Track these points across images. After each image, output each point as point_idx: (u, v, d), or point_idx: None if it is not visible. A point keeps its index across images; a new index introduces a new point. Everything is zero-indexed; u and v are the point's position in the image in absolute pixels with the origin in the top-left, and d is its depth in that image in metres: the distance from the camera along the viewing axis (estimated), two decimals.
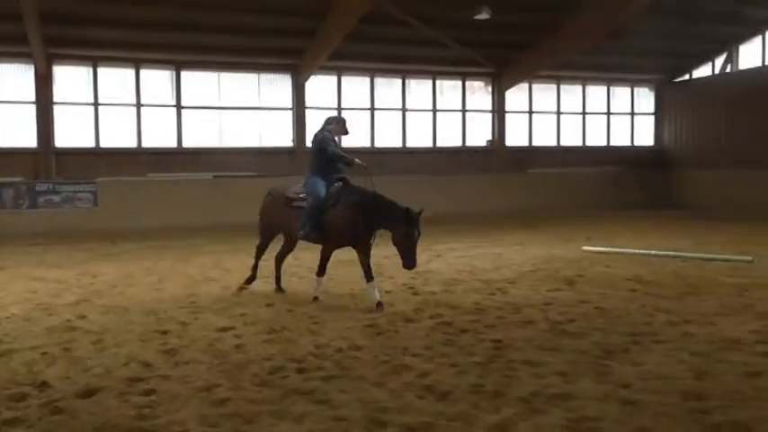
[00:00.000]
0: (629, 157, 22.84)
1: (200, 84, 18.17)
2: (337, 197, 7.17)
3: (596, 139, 22.81)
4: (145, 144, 17.54)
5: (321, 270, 7.31)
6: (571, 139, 22.53)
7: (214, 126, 18.44)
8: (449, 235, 13.75)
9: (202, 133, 18.23)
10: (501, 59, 20.37)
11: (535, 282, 8.32)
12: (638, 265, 9.48)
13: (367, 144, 20.07)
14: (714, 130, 21.70)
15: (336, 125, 7.62)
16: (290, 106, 19.17)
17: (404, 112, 20.52)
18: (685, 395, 4.13)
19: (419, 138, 20.74)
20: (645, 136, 23.67)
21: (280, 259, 7.99)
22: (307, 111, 19.26)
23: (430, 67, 20.15)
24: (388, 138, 20.40)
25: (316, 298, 7.20)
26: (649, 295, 7.27)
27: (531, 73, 20.73)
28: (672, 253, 10.27)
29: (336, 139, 7.61)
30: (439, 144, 20.92)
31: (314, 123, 19.24)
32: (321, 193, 7.20)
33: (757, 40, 20.70)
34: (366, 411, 3.93)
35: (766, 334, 5.50)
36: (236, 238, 13.24)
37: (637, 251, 10.62)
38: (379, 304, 6.79)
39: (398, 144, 20.49)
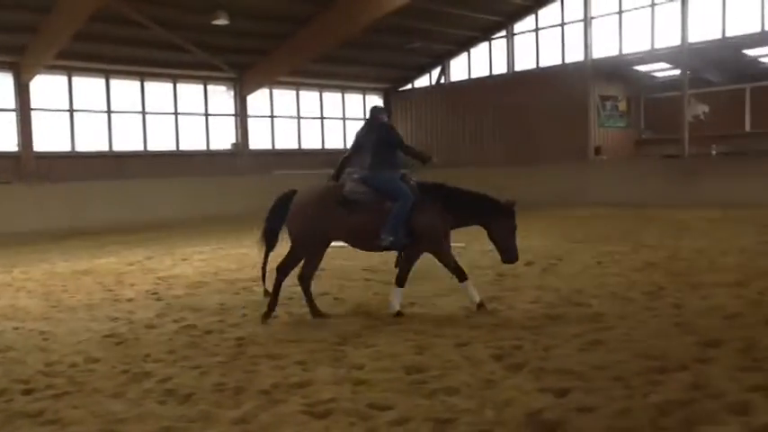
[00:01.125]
0: None
1: None
2: (421, 195, 6.31)
3: (334, 142, 24.09)
4: None
5: (403, 280, 6.32)
6: (311, 142, 23.51)
7: None
8: (195, 238, 13.56)
9: None
10: (241, 65, 20.59)
11: None
12: (372, 256, 10.24)
13: (105, 148, 18.87)
14: (433, 133, 24.41)
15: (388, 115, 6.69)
16: (13, 107, 17.32)
17: (144, 115, 19.66)
18: (408, 369, 4.58)
19: (161, 141, 20.03)
20: None
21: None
22: (33, 113, 17.58)
23: (170, 70, 19.59)
24: (127, 141, 19.39)
25: (399, 313, 6.21)
26: (381, 283, 7.92)
27: (271, 79, 21.26)
28: None
29: None
30: (182, 147, 20.40)
31: (41, 126, 17.77)
32: (409, 191, 6.23)
33: (464, 56, 23.67)
34: (101, 425, 3.79)
35: (473, 309, 6.36)
36: None
37: None
38: (481, 305, 6.24)
39: (139, 148, 19.57)
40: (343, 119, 24.49)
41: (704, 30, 18.47)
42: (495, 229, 6.35)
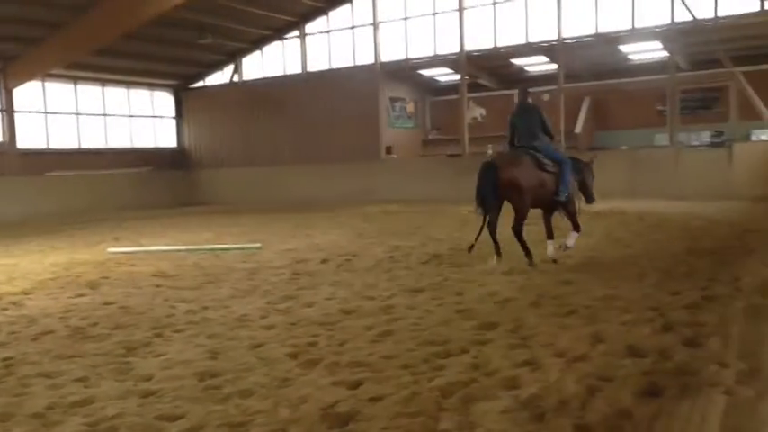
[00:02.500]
0: (152, 158, 23.36)
1: None
2: None
3: (118, 140, 22.63)
4: None
5: (578, 225, 8.26)
6: (92, 140, 21.84)
7: None
8: None
9: None
10: (5, 54, 18.52)
11: (55, 290, 7.85)
12: (163, 261, 9.80)
13: None
14: (228, 132, 23.92)
15: None
16: None
17: None
18: (201, 375, 4.41)
19: None
20: (167, 138, 24.46)
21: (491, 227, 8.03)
22: None
23: None
24: None
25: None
26: (172, 288, 7.58)
27: (43, 71, 19.39)
28: (193, 246, 10.93)
29: None
30: None
31: None
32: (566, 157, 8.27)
33: (257, 55, 23.48)
34: None
35: (269, 309, 6.32)
36: None
37: (162, 248, 10.97)
38: (567, 247, 8.20)
39: None
40: (129, 116, 23.05)
41: (478, 39, 20.13)
42: (585, 180, 8.52)
